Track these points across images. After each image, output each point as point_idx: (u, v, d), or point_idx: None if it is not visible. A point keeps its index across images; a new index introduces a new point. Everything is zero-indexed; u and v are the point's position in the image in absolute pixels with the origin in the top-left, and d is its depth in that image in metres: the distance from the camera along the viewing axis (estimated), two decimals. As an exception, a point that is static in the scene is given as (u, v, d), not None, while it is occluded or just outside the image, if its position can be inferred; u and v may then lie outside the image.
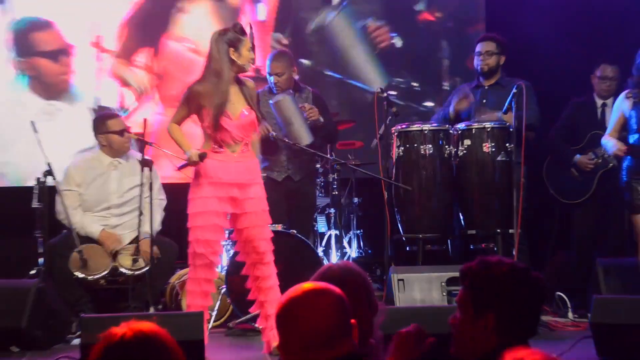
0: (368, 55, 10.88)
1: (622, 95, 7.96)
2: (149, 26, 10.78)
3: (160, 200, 8.70)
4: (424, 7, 11.03)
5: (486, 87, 8.78)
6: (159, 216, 8.59)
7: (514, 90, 8.16)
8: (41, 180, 8.20)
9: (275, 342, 6.40)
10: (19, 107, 10.45)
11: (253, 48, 7.34)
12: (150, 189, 7.91)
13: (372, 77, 10.69)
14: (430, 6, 11.02)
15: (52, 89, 10.65)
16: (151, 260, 8.05)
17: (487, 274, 3.48)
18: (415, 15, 11.03)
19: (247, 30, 7.61)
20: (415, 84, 10.49)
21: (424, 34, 11.04)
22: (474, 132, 8.32)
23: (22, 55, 10.64)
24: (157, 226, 8.46)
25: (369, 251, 9.23)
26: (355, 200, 9.37)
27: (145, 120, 8.39)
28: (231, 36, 7.01)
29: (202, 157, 6.88)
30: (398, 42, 10.96)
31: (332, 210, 9.11)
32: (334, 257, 8.79)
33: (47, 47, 10.63)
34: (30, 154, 9.14)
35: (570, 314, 8.14)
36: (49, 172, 8.17)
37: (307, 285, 3.23)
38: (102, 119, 8.77)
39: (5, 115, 10.49)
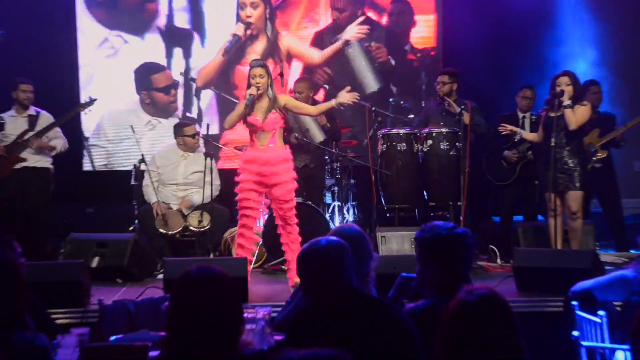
0: (372, 73, 11.14)
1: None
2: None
3: (216, 183, 8.95)
4: (409, 49, 11.25)
5: (446, 106, 8.79)
6: (215, 191, 8.92)
7: (462, 107, 8.45)
8: (136, 165, 8.78)
9: (296, 278, 6.73)
10: (133, 118, 10.76)
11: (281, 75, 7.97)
12: (211, 172, 8.56)
13: (374, 95, 10.88)
14: (413, 49, 11.22)
15: (159, 111, 10.95)
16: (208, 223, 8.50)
17: (425, 234, 3.78)
18: (404, 53, 11.28)
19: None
20: (402, 102, 10.40)
21: (409, 67, 11.27)
22: (434, 135, 8.50)
23: (142, 89, 10.92)
24: (215, 195, 8.86)
25: (361, 217, 9.18)
26: (352, 181, 9.34)
27: (207, 125, 9.17)
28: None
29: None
30: (392, 60, 11.15)
31: (336, 188, 9.12)
32: (337, 221, 8.77)
33: (160, 84, 10.95)
34: (130, 148, 9.89)
35: (498, 261, 8.54)
36: (142, 160, 8.74)
37: (321, 239, 3.58)
38: (180, 126, 9.23)
39: (120, 124, 10.69)
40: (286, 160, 7.46)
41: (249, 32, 10.93)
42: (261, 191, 7.49)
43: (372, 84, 11.22)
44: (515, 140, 8.65)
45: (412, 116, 9.90)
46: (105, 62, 10.97)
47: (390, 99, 10.62)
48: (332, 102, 7.38)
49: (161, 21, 11.03)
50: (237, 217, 7.53)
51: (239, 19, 11.00)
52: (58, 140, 8.86)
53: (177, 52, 11.07)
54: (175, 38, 11.08)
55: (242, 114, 7.29)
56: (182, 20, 11.09)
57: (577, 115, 7.75)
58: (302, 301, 4.22)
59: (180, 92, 11.05)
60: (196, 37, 11.07)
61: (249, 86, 7.31)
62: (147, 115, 10.99)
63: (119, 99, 10.90)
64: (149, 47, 11.02)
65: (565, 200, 7.86)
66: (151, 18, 11.02)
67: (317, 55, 11.08)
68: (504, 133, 8.58)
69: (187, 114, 10.80)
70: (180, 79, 11.02)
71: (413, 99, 11.03)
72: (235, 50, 10.94)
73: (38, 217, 8.81)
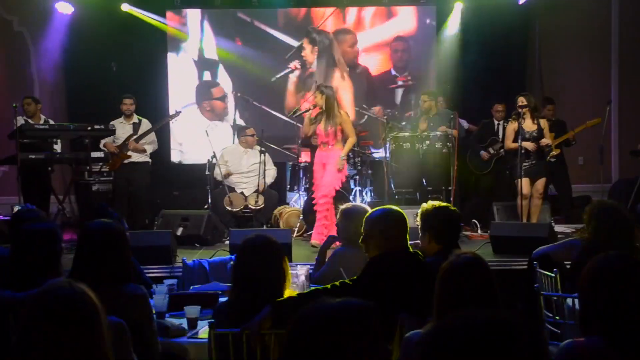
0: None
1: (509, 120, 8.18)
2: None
3: (272, 170, 9.01)
4: (397, 73, 11.08)
5: (430, 116, 8.75)
6: (270, 179, 8.95)
7: (451, 116, 8.55)
8: (209, 160, 8.79)
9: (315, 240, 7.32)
10: (197, 121, 10.80)
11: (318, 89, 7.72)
12: (265, 165, 8.56)
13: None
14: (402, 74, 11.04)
15: (216, 116, 10.94)
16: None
17: (425, 211, 3.84)
18: (394, 77, 11.09)
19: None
20: (397, 113, 10.53)
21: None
22: (431, 136, 8.39)
23: (203, 99, 10.91)
24: (269, 181, 8.89)
25: (376, 198, 8.94)
26: (369, 171, 9.15)
27: (262, 130, 9.08)
28: None
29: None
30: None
31: (357, 177, 9.01)
32: (358, 201, 8.56)
33: (217, 95, 10.95)
34: (201, 145, 9.58)
35: (479, 231, 8.44)
36: (213, 156, 8.73)
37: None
38: (243, 129, 9.28)
39: (190, 127, 10.67)
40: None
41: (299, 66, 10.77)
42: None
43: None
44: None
45: (404, 123, 9.61)
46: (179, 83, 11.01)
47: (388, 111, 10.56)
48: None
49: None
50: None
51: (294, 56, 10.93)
52: (149, 145, 8.93)
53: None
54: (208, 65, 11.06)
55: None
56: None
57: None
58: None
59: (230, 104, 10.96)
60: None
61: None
62: (207, 120, 10.94)
63: (187, 109, 10.78)
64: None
65: (534, 185, 7.89)
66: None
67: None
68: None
69: (235, 120, 10.68)
70: (229, 93, 10.95)
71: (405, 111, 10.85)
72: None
73: (139, 198, 8.88)
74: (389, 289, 3.22)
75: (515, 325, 1.54)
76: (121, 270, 3.28)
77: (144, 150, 8.86)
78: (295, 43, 10.91)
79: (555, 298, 4.14)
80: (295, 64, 10.61)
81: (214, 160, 8.84)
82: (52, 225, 3.58)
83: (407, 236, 3.57)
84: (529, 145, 7.83)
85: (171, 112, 9.98)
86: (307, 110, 7.90)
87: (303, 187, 9.03)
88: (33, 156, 8.07)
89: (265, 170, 8.68)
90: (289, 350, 1.80)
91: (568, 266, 4.62)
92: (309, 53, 10.88)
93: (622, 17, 10.59)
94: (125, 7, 10.13)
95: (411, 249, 3.55)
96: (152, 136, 8.99)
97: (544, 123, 8.00)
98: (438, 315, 2.56)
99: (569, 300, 4.01)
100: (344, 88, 10.85)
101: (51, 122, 8.79)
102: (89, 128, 8.19)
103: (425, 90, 9.40)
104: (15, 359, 2.08)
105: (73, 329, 2.08)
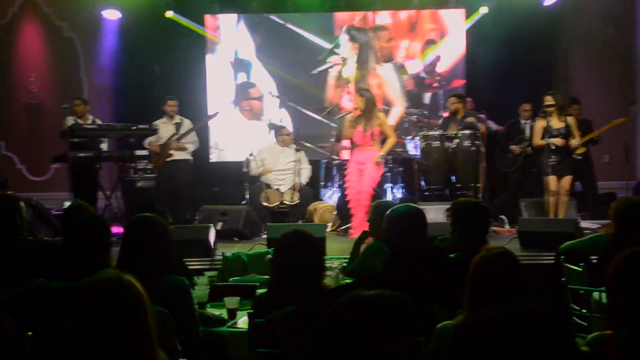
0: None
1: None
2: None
3: (307, 170, 9.02)
4: (427, 75, 11.02)
5: (457, 118, 8.67)
6: (305, 179, 8.97)
7: (479, 116, 8.60)
8: (248, 158, 8.88)
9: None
10: (236, 121, 10.86)
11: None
12: (300, 163, 8.66)
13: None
14: (431, 75, 10.98)
15: (254, 115, 10.92)
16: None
17: (455, 207, 3.91)
18: (423, 79, 11.05)
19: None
20: (425, 112, 10.45)
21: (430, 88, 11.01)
22: (459, 135, 8.39)
23: (241, 100, 10.91)
24: (304, 180, 8.91)
25: (407, 195, 8.89)
26: (400, 169, 9.01)
27: (298, 129, 9.18)
28: None
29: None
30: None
31: (389, 174, 8.74)
32: (389, 197, 8.51)
33: (255, 95, 10.95)
34: (239, 144, 9.84)
35: (507, 226, 8.26)
36: (251, 154, 8.84)
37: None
38: (280, 128, 9.32)
39: (228, 127, 10.73)
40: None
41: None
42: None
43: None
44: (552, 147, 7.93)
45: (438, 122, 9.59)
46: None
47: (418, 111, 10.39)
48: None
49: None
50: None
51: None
52: (191, 144, 8.99)
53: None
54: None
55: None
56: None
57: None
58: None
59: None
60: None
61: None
62: (246, 120, 10.96)
63: (225, 110, 10.79)
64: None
65: (561, 182, 7.79)
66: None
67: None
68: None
69: (271, 119, 10.69)
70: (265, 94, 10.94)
71: (433, 111, 10.82)
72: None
73: (181, 194, 8.94)
74: (413, 281, 3.16)
75: (548, 318, 1.53)
76: (165, 262, 3.29)
77: (186, 149, 8.91)
78: (326, 44, 10.85)
79: (582, 292, 4.10)
80: (336, 59, 10.43)
81: (252, 158, 8.89)
82: (102, 219, 3.62)
83: (426, 231, 3.64)
84: (557, 141, 7.66)
85: (210, 112, 10.05)
86: (347, 113, 7.90)
87: (337, 184, 9.01)
88: (82, 154, 8.13)
89: (300, 169, 8.72)
90: (326, 340, 1.80)
91: (594, 260, 4.55)
92: (349, 50, 10.75)
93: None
94: (169, 14, 10.23)
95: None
96: (194, 135, 9.03)
97: (571, 120, 7.81)
98: (469, 307, 2.57)
99: (596, 294, 3.96)
100: (383, 83, 10.76)
101: (98, 121, 8.87)
102: (134, 128, 8.27)
103: (454, 93, 9.35)
104: (68, 345, 2.11)
105: (121, 317, 2.12)
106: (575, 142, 7.72)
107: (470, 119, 8.57)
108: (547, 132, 7.71)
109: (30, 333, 2.70)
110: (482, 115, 8.77)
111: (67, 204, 6.75)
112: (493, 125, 9.71)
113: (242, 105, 11.00)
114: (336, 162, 9.14)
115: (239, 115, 11.04)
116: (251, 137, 10.47)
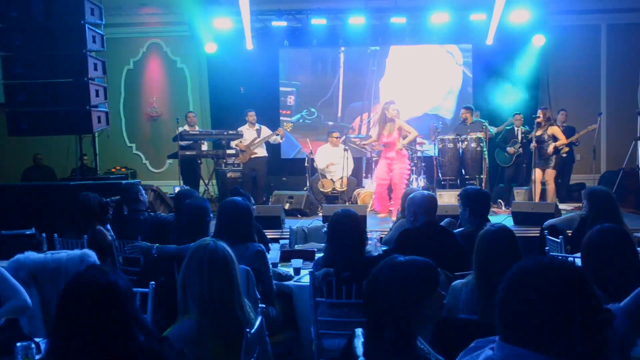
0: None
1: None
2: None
3: (350, 165, 8.76)
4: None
5: (467, 125, 8.54)
6: (348, 171, 8.75)
7: (483, 124, 8.29)
8: (308, 155, 8.74)
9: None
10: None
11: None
12: (347, 159, 8.48)
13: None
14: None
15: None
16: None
17: (464, 193, 3.75)
18: None
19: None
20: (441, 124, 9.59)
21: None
22: (468, 138, 8.23)
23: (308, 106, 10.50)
24: (349, 172, 8.71)
25: (428, 184, 8.41)
26: (423, 164, 8.54)
27: (345, 134, 8.91)
28: None
29: None
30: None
31: (413, 167, 8.20)
32: (415, 185, 8.02)
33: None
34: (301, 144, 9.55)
35: (503, 208, 8.05)
36: (311, 152, 8.71)
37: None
38: (331, 132, 9.04)
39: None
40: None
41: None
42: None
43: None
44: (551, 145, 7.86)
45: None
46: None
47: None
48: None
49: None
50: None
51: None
52: (261, 148, 8.92)
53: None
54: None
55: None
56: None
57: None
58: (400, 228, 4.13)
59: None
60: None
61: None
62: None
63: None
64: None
65: (545, 174, 7.67)
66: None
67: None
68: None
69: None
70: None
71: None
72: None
73: (260, 182, 8.90)
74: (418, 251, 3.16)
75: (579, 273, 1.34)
76: (248, 233, 3.30)
77: (254, 153, 8.87)
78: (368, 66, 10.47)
79: (560, 258, 3.98)
80: None
81: (312, 156, 8.83)
82: (203, 201, 3.66)
83: (435, 212, 3.52)
84: (551, 146, 7.70)
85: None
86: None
87: (374, 176, 8.84)
88: (188, 153, 8.37)
89: (348, 163, 8.61)
90: (368, 296, 1.77)
91: (570, 234, 4.44)
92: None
93: (609, 55, 10.25)
94: (249, 46, 10.02)
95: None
96: (269, 139, 8.96)
97: (556, 129, 7.81)
98: (478, 269, 2.55)
99: (571, 259, 3.84)
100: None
101: (199, 129, 9.03)
102: (225, 133, 8.48)
103: (464, 105, 9.11)
104: (180, 291, 2.19)
105: (217, 271, 2.18)
106: (561, 142, 7.65)
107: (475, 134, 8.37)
108: (537, 137, 7.61)
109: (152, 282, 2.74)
110: (485, 122, 8.53)
111: (177, 189, 6.96)
112: (493, 130, 9.39)
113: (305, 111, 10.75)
114: (375, 159, 8.95)
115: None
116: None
